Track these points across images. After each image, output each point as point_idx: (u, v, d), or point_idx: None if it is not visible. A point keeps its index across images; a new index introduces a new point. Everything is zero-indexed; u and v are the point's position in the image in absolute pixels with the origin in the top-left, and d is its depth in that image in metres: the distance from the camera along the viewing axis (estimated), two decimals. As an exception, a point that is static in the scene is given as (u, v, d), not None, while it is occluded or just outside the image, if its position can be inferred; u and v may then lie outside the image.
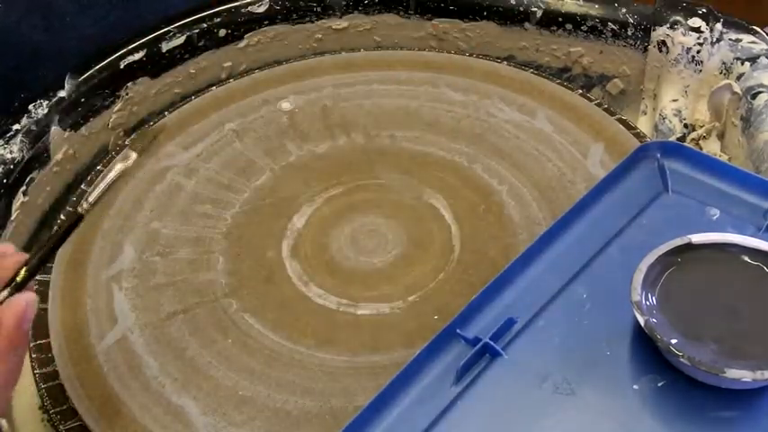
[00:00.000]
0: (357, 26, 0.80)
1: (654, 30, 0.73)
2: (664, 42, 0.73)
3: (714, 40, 0.71)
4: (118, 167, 0.49)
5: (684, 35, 0.71)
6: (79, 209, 0.47)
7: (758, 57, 0.68)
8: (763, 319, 0.46)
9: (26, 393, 0.57)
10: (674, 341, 0.45)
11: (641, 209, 0.55)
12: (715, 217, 0.54)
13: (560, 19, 0.76)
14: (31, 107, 0.66)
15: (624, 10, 0.74)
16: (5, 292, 0.44)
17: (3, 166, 0.62)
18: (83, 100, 0.69)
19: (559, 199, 0.62)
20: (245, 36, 0.77)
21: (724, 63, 0.70)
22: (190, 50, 0.75)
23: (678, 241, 0.49)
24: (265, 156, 0.67)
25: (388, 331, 0.54)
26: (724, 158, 0.68)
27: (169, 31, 0.74)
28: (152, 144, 0.53)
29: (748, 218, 0.54)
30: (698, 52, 0.71)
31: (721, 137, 0.71)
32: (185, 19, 0.74)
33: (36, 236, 0.65)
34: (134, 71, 0.72)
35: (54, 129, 0.66)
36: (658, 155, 0.57)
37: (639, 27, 0.74)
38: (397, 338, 0.54)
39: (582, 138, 0.67)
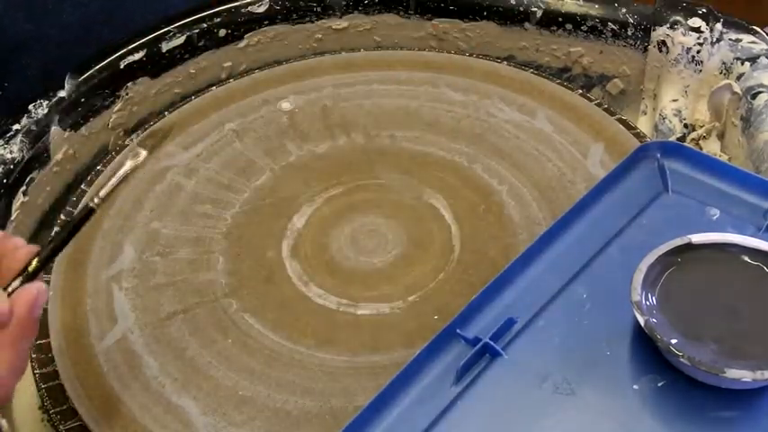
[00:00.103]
0: (357, 26, 0.80)
1: (654, 30, 0.73)
2: (664, 42, 0.73)
3: (714, 40, 0.71)
4: (129, 164, 0.49)
5: (684, 35, 0.71)
6: (90, 203, 0.48)
7: (758, 57, 0.68)
8: (763, 319, 0.46)
9: (26, 393, 0.57)
10: (674, 341, 0.45)
11: (641, 209, 0.55)
12: (715, 217, 0.54)
13: (560, 19, 0.76)
14: (31, 107, 0.66)
15: (624, 10, 0.74)
16: (17, 282, 0.45)
17: (3, 166, 0.62)
18: (83, 100, 0.69)
19: (559, 199, 0.62)
20: (245, 36, 0.77)
21: (724, 63, 0.70)
22: (190, 50, 0.75)
23: (678, 241, 0.49)
24: (265, 156, 0.67)
25: (388, 331, 0.54)
26: (724, 158, 0.68)
27: (169, 31, 0.74)
28: (162, 142, 0.53)
29: (748, 218, 0.54)
30: (698, 52, 0.71)
31: (721, 137, 0.71)
32: (185, 19, 0.74)
33: (36, 236, 0.65)
34: (134, 71, 0.72)
35: (54, 129, 0.66)
36: (658, 155, 0.57)
37: (639, 27, 0.74)
38: (397, 338, 0.54)
39: (582, 138, 0.67)
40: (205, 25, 0.75)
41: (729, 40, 0.70)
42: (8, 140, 0.63)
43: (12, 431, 0.53)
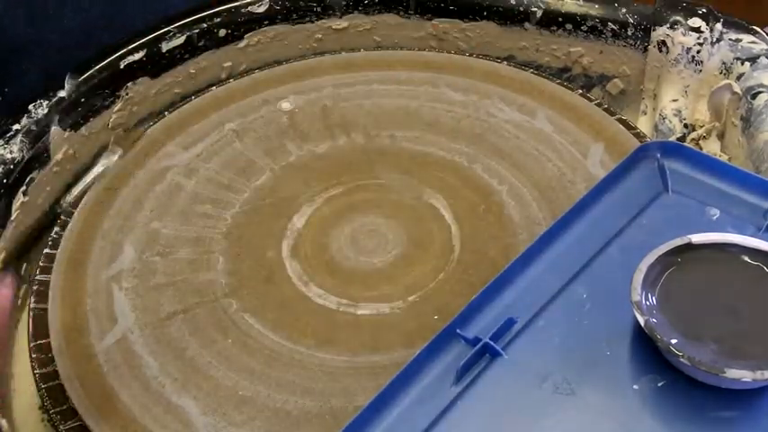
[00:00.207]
0: (357, 26, 0.80)
1: (654, 30, 0.73)
2: (664, 42, 0.73)
3: (714, 40, 0.71)
4: (101, 164, 0.49)
5: (684, 35, 0.71)
6: (59, 208, 0.47)
7: (758, 57, 0.68)
8: (763, 319, 0.46)
9: (26, 393, 0.57)
10: (674, 341, 0.45)
11: (641, 209, 0.55)
12: (715, 217, 0.54)
13: (560, 19, 0.76)
14: (31, 107, 0.66)
15: (624, 10, 0.74)
16: None
17: (3, 166, 0.62)
18: (83, 100, 0.69)
19: (559, 199, 0.62)
20: (245, 36, 0.77)
21: (724, 63, 0.70)
22: (190, 50, 0.75)
23: (678, 241, 0.49)
24: (265, 156, 0.67)
25: (388, 331, 0.54)
26: (724, 158, 0.68)
27: (169, 31, 0.73)
28: (133, 145, 0.53)
29: (748, 218, 0.54)
30: (698, 52, 0.71)
31: (721, 137, 0.71)
32: (185, 19, 0.74)
33: (36, 236, 0.65)
34: (134, 71, 0.72)
35: (54, 129, 0.66)
36: (658, 155, 0.57)
37: (639, 27, 0.74)
38: (397, 338, 0.54)
39: (582, 138, 0.67)
40: (205, 25, 0.75)
41: (729, 40, 0.70)
42: (8, 140, 0.63)
43: (12, 431, 0.53)
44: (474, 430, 0.45)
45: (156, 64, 0.73)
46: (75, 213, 0.62)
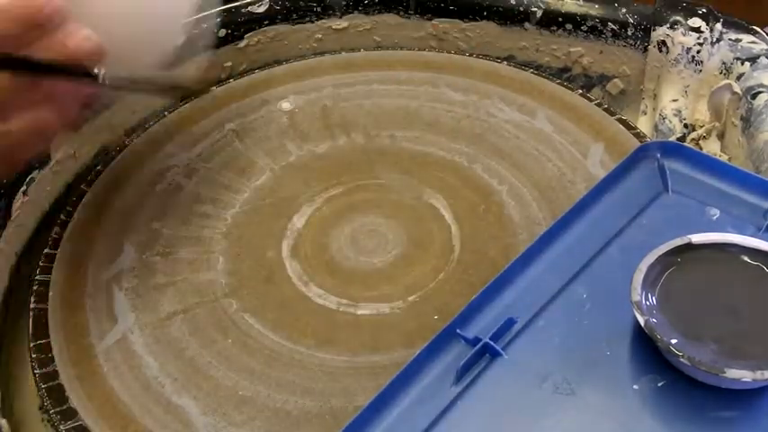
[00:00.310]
0: (357, 26, 0.80)
1: (654, 30, 0.73)
2: (664, 42, 0.73)
3: (714, 40, 0.71)
4: (179, 75, 0.49)
5: (684, 35, 0.71)
6: (97, 70, 0.46)
7: (758, 57, 0.68)
8: (763, 319, 0.46)
9: (26, 393, 0.57)
10: (674, 341, 0.45)
11: (641, 209, 0.55)
12: (715, 217, 0.54)
13: (560, 19, 0.76)
14: (31, 107, 0.66)
15: (624, 10, 0.74)
16: None
17: (3, 166, 0.62)
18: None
19: (559, 199, 0.62)
20: (245, 36, 0.77)
21: (724, 63, 0.70)
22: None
23: (678, 241, 0.49)
24: (265, 156, 0.67)
25: (388, 331, 0.54)
26: (724, 158, 0.68)
27: (169, 31, 0.73)
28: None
29: (748, 218, 0.54)
30: (698, 52, 0.71)
31: (721, 137, 0.71)
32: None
33: (36, 236, 0.65)
34: (134, 71, 0.72)
35: (54, 129, 0.66)
36: (658, 155, 0.57)
37: (639, 27, 0.74)
38: (397, 338, 0.54)
39: (582, 138, 0.67)
40: (205, 25, 0.75)
41: (729, 40, 0.70)
42: (8, 140, 0.63)
43: (12, 431, 0.53)
44: (474, 430, 0.45)
45: (156, 64, 0.73)
46: (75, 213, 0.62)
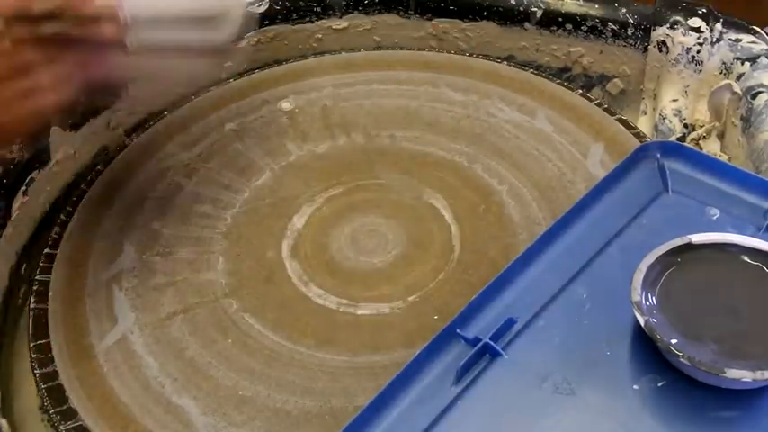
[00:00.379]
0: (357, 26, 0.80)
1: (654, 30, 0.73)
2: (664, 42, 0.73)
3: (714, 40, 0.71)
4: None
5: (684, 35, 0.71)
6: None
7: (758, 57, 0.68)
8: (763, 319, 0.46)
9: (26, 393, 0.57)
10: (674, 341, 0.45)
11: (641, 209, 0.55)
12: (715, 217, 0.54)
13: (560, 19, 0.76)
14: (31, 107, 0.66)
15: (624, 10, 0.74)
16: None
17: (3, 166, 0.62)
18: (83, 100, 0.69)
19: (559, 199, 0.62)
20: (245, 36, 0.77)
21: (724, 63, 0.70)
22: (190, 50, 0.74)
23: (678, 241, 0.49)
24: (265, 156, 0.67)
25: (388, 331, 0.54)
26: (724, 158, 0.68)
27: (169, 31, 0.73)
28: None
29: (748, 218, 0.54)
30: (698, 52, 0.71)
31: (721, 137, 0.71)
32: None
33: (36, 236, 0.65)
34: (134, 71, 0.72)
35: (54, 129, 0.66)
36: (658, 155, 0.57)
37: (639, 27, 0.74)
38: (397, 338, 0.54)
39: (582, 138, 0.67)
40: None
41: (729, 40, 0.70)
42: (8, 140, 0.63)
43: (12, 431, 0.53)
44: (474, 430, 0.45)
45: (156, 64, 0.73)
46: (75, 213, 0.62)
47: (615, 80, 0.77)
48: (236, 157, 0.67)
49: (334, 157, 0.66)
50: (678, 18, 0.72)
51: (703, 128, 0.71)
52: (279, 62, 0.76)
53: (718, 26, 0.71)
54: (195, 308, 0.56)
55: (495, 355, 0.47)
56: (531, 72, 0.73)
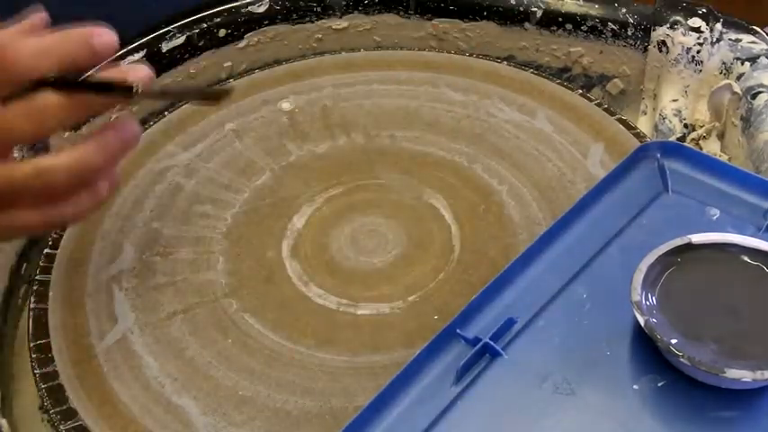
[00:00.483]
0: (357, 26, 0.80)
1: (654, 30, 0.73)
2: (664, 42, 0.73)
3: (714, 40, 0.71)
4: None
5: (684, 35, 0.71)
6: (135, 86, 0.48)
7: (758, 57, 0.68)
8: (763, 319, 0.46)
9: (26, 393, 0.57)
10: (674, 341, 0.45)
11: (641, 209, 0.55)
12: (715, 217, 0.54)
13: (560, 19, 0.76)
14: (31, 107, 0.66)
15: (624, 10, 0.74)
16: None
17: (3, 166, 0.62)
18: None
19: (559, 199, 0.62)
20: (245, 36, 0.77)
21: (724, 63, 0.70)
22: (190, 50, 0.75)
23: (678, 241, 0.49)
24: (265, 156, 0.67)
25: (388, 331, 0.54)
26: (724, 158, 0.68)
27: (169, 31, 0.73)
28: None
29: (748, 218, 0.54)
30: (698, 52, 0.71)
31: (721, 137, 0.71)
32: (185, 19, 0.74)
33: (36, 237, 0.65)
34: (134, 71, 0.72)
35: (54, 129, 0.66)
36: (658, 155, 0.57)
37: (639, 27, 0.74)
38: (397, 338, 0.54)
39: (582, 138, 0.67)
40: (205, 25, 0.75)
41: (729, 40, 0.70)
42: (8, 140, 0.63)
43: (12, 431, 0.53)
44: (474, 430, 0.45)
45: (156, 64, 0.73)
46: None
47: (615, 80, 0.77)
48: (236, 157, 0.67)
49: (334, 157, 0.67)
50: (678, 18, 0.72)
51: (703, 128, 0.71)
52: (279, 62, 0.76)
53: (718, 26, 0.71)
54: (195, 308, 0.56)
55: (495, 355, 0.47)
56: (531, 72, 0.73)
